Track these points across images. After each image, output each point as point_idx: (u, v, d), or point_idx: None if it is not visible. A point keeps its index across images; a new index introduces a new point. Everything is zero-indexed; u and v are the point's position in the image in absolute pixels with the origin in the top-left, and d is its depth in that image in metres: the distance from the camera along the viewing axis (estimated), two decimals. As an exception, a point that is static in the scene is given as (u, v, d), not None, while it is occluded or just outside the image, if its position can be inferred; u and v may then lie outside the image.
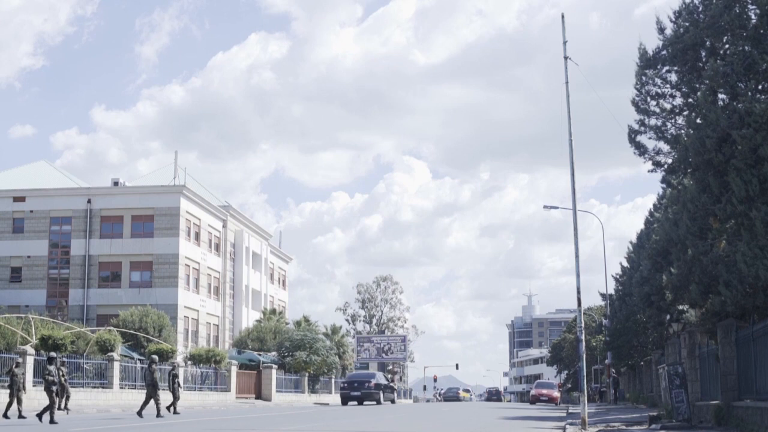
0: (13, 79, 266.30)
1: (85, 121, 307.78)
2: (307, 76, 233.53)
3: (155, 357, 27.76)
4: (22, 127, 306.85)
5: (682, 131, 21.04)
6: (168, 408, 27.55)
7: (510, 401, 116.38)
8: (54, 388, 22.02)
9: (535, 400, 55.88)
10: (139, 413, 24.97)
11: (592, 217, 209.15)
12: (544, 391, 57.43)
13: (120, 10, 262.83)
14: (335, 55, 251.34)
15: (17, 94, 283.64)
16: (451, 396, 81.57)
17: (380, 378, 47.34)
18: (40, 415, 22.02)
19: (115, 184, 60.82)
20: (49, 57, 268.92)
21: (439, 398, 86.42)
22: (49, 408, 21.71)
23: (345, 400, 44.42)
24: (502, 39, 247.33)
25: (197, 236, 60.35)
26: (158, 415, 25.18)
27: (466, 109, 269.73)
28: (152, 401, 25.83)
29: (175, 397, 28.21)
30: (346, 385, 45.74)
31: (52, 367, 22.45)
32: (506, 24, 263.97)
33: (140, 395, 35.14)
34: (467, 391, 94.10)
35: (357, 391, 44.03)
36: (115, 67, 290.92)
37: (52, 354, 24.03)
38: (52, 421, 21.25)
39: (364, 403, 43.21)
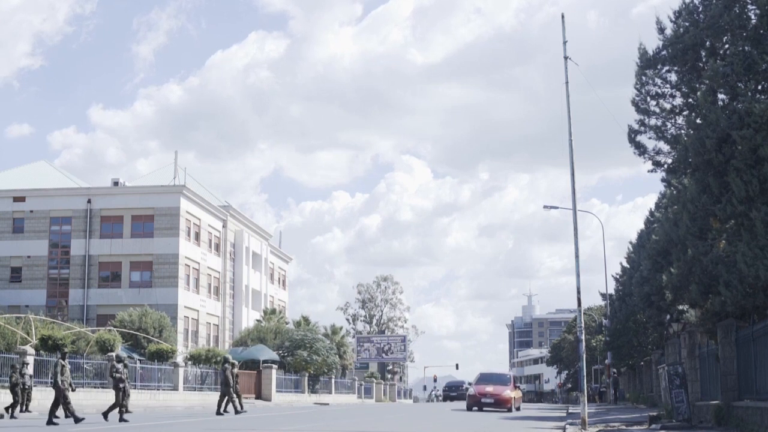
0: (12, 78, 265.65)
1: (82, 121, 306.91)
2: (305, 76, 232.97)
3: (229, 357, 30.06)
4: (19, 126, 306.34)
5: (682, 131, 21.06)
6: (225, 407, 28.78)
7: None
8: (122, 386, 22.40)
9: (475, 402, 33.79)
10: (218, 412, 27.09)
11: (592, 217, 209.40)
12: (490, 389, 33.92)
13: (118, 10, 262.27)
14: (333, 54, 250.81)
15: (15, 93, 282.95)
16: None
17: (467, 384, 66.76)
18: (119, 414, 22.31)
19: (115, 184, 60.87)
20: (47, 57, 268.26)
21: (440, 398, 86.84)
22: (116, 406, 22.32)
23: (446, 398, 66.88)
24: (501, 38, 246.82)
25: (197, 236, 60.38)
26: (237, 411, 27.72)
27: (465, 108, 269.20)
28: (226, 399, 27.96)
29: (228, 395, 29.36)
30: (447, 388, 69.93)
31: (120, 365, 22.80)
32: (505, 23, 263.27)
33: (139, 395, 35.20)
34: None
35: (455, 392, 64.72)
36: (114, 66, 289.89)
37: (121, 353, 24.92)
38: (121, 419, 21.77)
39: (455, 401, 59.97)
